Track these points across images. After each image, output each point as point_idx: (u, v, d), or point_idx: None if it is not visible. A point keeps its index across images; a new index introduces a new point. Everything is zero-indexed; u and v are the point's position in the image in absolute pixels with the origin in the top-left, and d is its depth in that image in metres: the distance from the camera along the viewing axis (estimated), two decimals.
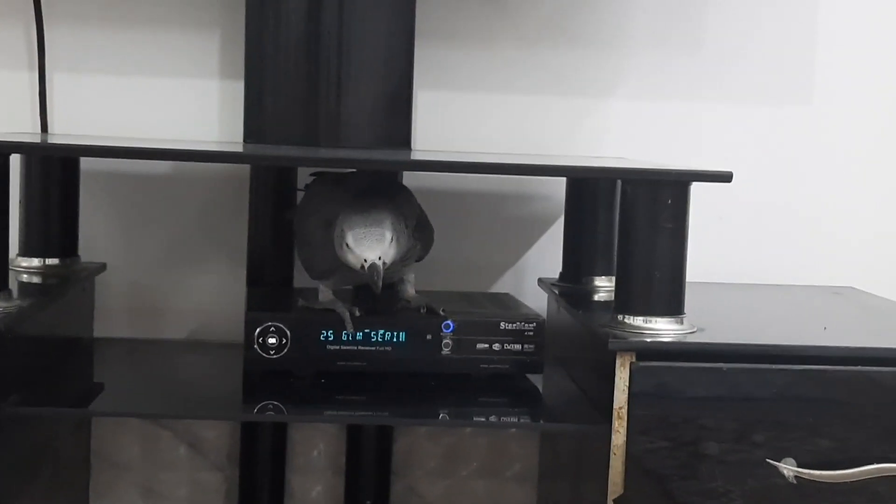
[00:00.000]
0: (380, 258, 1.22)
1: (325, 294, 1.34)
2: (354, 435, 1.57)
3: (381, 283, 1.23)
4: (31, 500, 1.28)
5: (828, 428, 1.15)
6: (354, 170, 1.36)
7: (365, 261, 1.22)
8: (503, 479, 1.63)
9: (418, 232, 1.32)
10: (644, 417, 1.16)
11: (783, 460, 1.14)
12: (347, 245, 1.23)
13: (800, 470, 1.13)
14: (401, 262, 1.29)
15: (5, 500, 1.16)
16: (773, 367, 1.16)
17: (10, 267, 1.28)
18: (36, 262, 1.45)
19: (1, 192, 1.18)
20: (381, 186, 1.33)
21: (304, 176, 1.51)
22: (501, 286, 1.62)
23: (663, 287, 1.20)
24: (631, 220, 1.21)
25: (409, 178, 1.52)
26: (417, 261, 1.36)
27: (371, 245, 1.22)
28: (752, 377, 1.16)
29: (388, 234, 1.23)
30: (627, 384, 1.16)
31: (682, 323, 1.21)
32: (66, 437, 1.47)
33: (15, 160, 1.23)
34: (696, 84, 1.62)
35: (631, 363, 1.16)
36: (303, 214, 1.38)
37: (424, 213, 1.37)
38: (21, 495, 1.23)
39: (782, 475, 1.14)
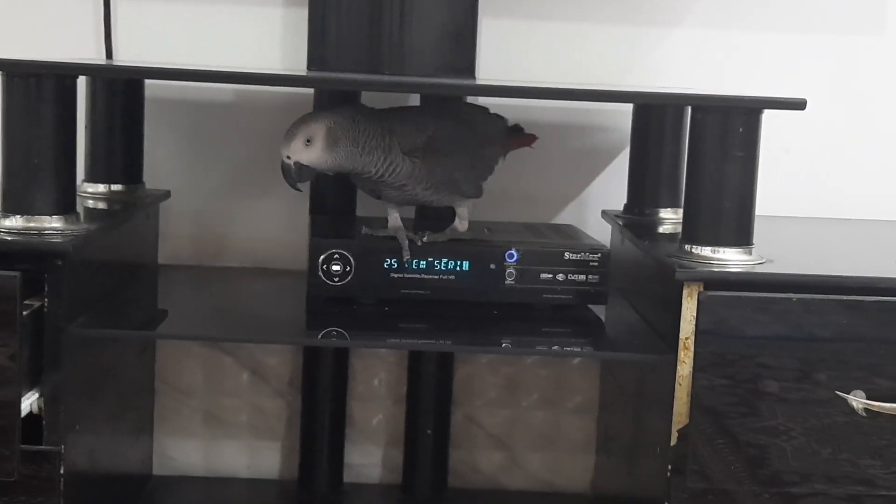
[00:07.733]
0: (288, 157, 1.27)
1: (392, 220, 1.34)
2: (415, 364, 1.57)
3: (291, 181, 1.28)
4: (96, 422, 1.30)
5: (891, 368, 1.14)
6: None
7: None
8: (563, 410, 1.63)
9: (448, 159, 1.31)
10: (709, 348, 1.15)
11: (852, 392, 1.13)
12: None
13: (869, 402, 1.12)
14: (426, 189, 1.31)
15: (72, 420, 1.18)
16: (842, 297, 1.14)
17: (77, 193, 1.29)
18: (101, 187, 1.46)
19: (68, 115, 1.18)
20: (421, 108, 1.35)
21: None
22: (564, 218, 1.61)
23: (732, 217, 1.19)
24: (700, 149, 1.19)
25: None
26: (473, 196, 1.35)
27: (283, 140, 1.27)
28: (820, 308, 1.14)
29: (302, 136, 1.26)
30: (695, 314, 1.15)
31: (750, 254, 1.20)
32: (131, 361, 1.49)
33: (80, 88, 1.22)
34: (765, 13, 1.59)
35: (699, 293, 1.15)
36: None
37: (477, 146, 1.35)
38: (87, 416, 1.24)
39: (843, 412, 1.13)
